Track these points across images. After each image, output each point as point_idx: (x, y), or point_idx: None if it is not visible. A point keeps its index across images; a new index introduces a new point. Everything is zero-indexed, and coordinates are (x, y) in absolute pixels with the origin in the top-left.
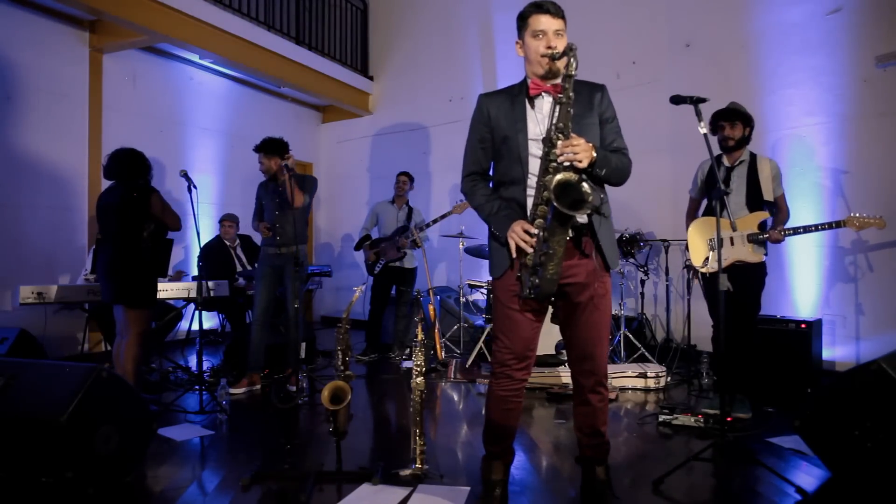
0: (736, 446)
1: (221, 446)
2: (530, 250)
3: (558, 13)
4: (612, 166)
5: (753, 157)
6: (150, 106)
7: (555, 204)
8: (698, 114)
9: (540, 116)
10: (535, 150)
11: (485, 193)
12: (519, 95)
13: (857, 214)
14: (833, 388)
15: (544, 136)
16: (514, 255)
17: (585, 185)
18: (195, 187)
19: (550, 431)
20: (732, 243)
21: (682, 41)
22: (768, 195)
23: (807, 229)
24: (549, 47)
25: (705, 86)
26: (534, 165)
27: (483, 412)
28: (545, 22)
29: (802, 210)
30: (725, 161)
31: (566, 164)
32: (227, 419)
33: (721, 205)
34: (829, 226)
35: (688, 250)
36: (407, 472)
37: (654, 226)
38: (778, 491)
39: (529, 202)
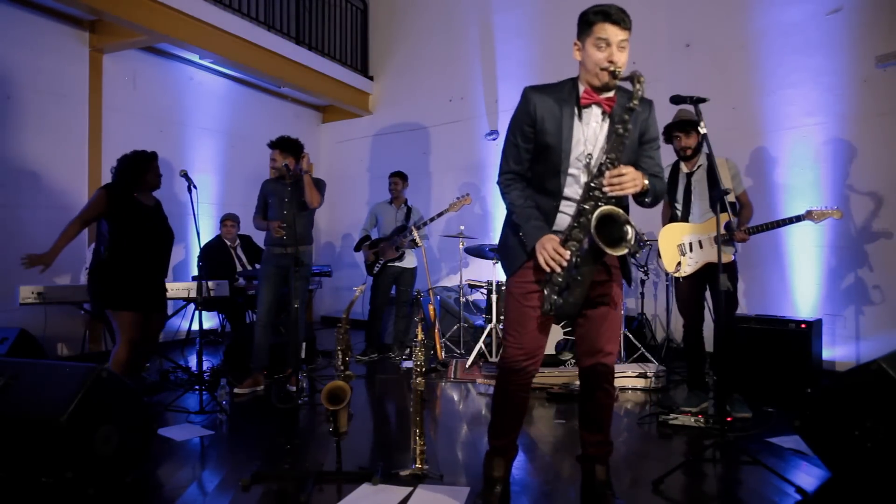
0: (736, 446)
1: (221, 446)
2: (559, 270)
3: (626, 24)
4: (656, 194)
5: (711, 158)
6: (150, 106)
7: (595, 238)
8: (698, 114)
9: (587, 130)
10: (575, 168)
11: (522, 195)
12: (568, 101)
13: (816, 208)
14: (833, 388)
15: (591, 162)
16: (546, 270)
17: (629, 227)
18: (195, 187)
19: (550, 431)
20: (701, 246)
21: (682, 41)
22: (729, 195)
23: (769, 226)
24: (611, 61)
25: (705, 86)
26: (570, 182)
27: (484, 411)
28: (611, 32)
29: (802, 210)
30: (684, 167)
31: (611, 194)
32: (227, 419)
33: (721, 205)
34: (790, 220)
35: (660, 257)
36: (407, 472)
37: (654, 226)
38: (778, 491)
39: (558, 217)
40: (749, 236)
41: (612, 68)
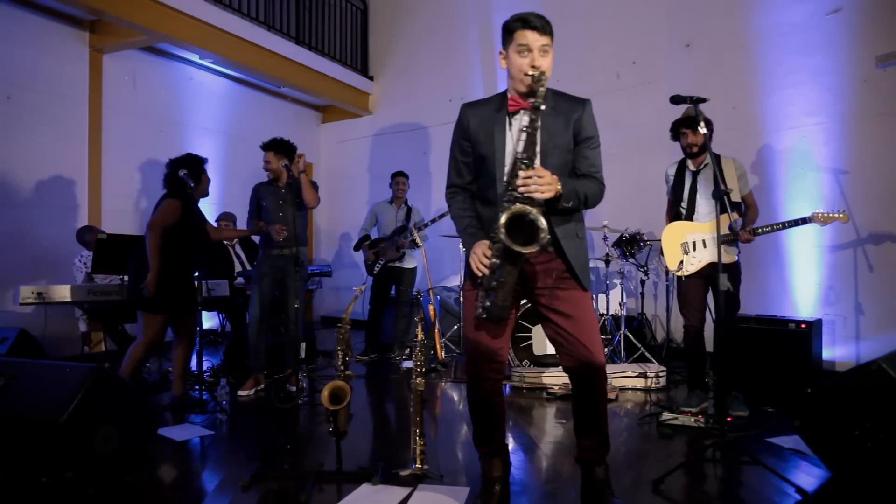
0: (736, 446)
1: (221, 446)
2: (483, 272)
3: (545, 29)
4: (579, 198)
5: (717, 158)
6: (150, 106)
7: (503, 240)
8: (698, 114)
9: (517, 135)
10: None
11: (460, 207)
12: (500, 111)
13: (822, 211)
14: (833, 388)
15: (509, 164)
16: (477, 274)
17: (541, 220)
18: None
19: (550, 431)
20: (705, 246)
21: (682, 41)
22: (735, 195)
23: (775, 227)
24: (534, 66)
25: (705, 86)
26: None
27: None
28: (531, 38)
29: (802, 210)
30: (690, 165)
31: (525, 195)
32: (227, 419)
33: (721, 204)
34: (795, 223)
35: (662, 255)
36: (407, 472)
37: (654, 226)
38: (778, 491)
39: None
40: (753, 237)
41: (534, 73)
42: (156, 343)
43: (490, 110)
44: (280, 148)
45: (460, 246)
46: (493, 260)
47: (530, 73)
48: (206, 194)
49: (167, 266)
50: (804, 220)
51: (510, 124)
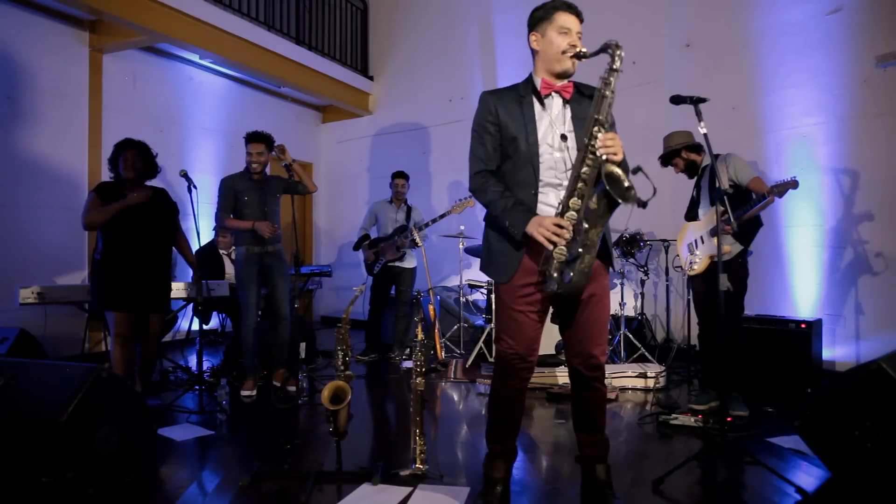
0: (736, 446)
1: (221, 446)
2: (562, 242)
3: (582, 17)
4: (628, 169)
5: (716, 158)
6: (150, 106)
7: (609, 190)
8: (698, 114)
9: (552, 116)
10: (546, 152)
11: (497, 189)
12: (526, 96)
13: (775, 183)
14: (833, 388)
15: (568, 142)
16: (549, 247)
17: (627, 180)
18: (195, 187)
19: (550, 431)
20: (703, 241)
21: (682, 41)
22: (725, 184)
23: (745, 212)
24: (574, 46)
25: (705, 86)
26: (544, 168)
27: (484, 412)
28: (572, 22)
29: (803, 210)
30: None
31: (604, 157)
32: (227, 419)
33: (722, 205)
34: (757, 201)
35: (679, 257)
36: (407, 472)
37: (654, 226)
38: (778, 491)
39: (539, 205)
40: (731, 229)
41: (576, 51)
42: (125, 338)
43: (514, 95)
44: (268, 141)
45: (460, 246)
46: (580, 225)
47: (572, 52)
48: (127, 179)
49: (108, 259)
50: (763, 197)
51: (542, 105)
